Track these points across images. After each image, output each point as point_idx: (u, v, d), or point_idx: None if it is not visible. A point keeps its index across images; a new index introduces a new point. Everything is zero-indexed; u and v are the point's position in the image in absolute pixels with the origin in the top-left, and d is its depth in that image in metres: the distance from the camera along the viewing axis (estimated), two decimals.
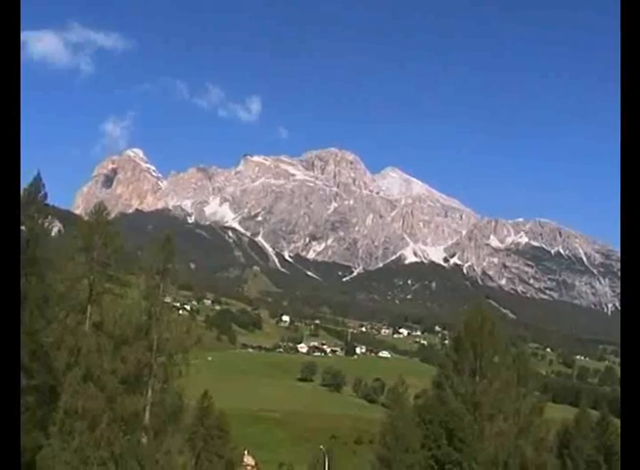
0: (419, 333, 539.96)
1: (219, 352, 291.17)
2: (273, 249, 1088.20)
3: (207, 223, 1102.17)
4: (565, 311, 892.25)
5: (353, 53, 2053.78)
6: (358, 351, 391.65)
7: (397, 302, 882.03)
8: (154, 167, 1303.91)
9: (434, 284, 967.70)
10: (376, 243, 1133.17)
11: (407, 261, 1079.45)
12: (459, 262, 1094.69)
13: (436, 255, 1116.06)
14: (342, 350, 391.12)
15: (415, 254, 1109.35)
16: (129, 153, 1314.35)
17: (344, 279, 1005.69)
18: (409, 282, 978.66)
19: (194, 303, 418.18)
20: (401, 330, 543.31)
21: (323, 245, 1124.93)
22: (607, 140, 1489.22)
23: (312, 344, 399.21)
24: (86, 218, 41.17)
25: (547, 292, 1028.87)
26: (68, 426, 33.01)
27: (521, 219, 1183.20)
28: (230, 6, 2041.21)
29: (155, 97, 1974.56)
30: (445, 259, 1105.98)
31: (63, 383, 34.06)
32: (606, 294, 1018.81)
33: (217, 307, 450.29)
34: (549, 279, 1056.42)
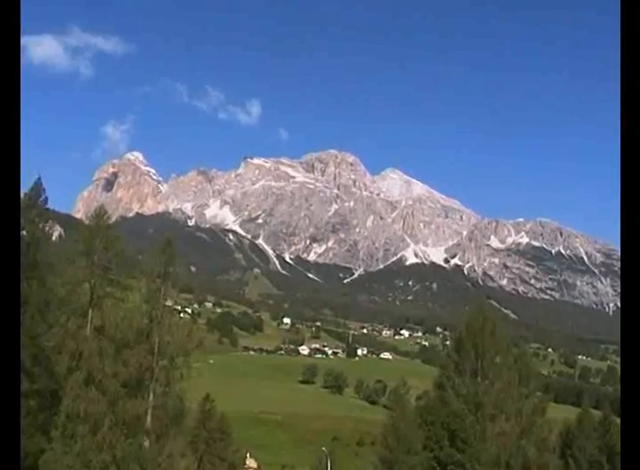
0: (420, 334, 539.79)
1: (221, 355, 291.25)
2: (274, 251, 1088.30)
3: (208, 226, 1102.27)
4: (566, 311, 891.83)
5: (353, 54, 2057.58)
6: (359, 352, 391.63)
7: (398, 303, 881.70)
8: (154, 171, 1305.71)
9: (434, 285, 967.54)
10: (376, 244, 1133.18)
11: (408, 263, 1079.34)
12: (460, 263, 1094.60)
13: (437, 256, 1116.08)
14: (343, 351, 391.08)
15: (416, 255, 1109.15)
16: (129, 156, 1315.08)
17: (345, 281, 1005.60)
18: (410, 283, 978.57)
19: (195, 306, 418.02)
20: (402, 331, 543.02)
21: (324, 247, 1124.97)
22: (607, 139, 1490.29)
23: (313, 346, 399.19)
24: (87, 222, 41.13)
25: (548, 292, 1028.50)
26: (70, 430, 33.00)
27: (521, 219, 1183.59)
28: (229, 8, 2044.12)
29: (154, 100, 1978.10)
30: (446, 260, 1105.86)
31: (64, 387, 34.05)
32: (607, 293, 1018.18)
33: (218, 310, 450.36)
34: (550, 279, 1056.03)
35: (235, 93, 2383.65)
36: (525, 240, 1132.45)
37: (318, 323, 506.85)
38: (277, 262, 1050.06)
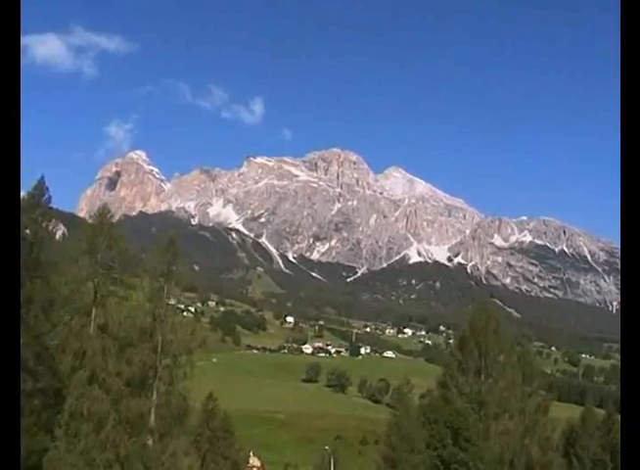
0: (423, 333, 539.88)
1: (224, 354, 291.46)
2: (277, 250, 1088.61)
3: (211, 225, 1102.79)
4: (569, 310, 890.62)
5: (355, 53, 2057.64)
6: (363, 351, 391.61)
7: (401, 302, 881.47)
8: (157, 170, 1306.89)
9: (438, 284, 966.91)
10: (380, 243, 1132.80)
11: (411, 261, 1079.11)
12: (463, 262, 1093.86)
13: (440, 254, 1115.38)
14: (346, 350, 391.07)
15: (419, 253, 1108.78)
16: (132, 155, 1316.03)
17: (348, 280, 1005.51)
18: (413, 282, 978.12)
19: (198, 304, 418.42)
20: (406, 330, 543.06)
21: (327, 245, 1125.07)
22: (610, 137, 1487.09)
23: (317, 344, 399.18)
24: (90, 221, 41.07)
25: (551, 290, 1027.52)
26: (74, 428, 33.05)
27: (524, 218, 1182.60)
28: (231, 7, 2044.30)
29: (157, 99, 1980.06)
30: (449, 259, 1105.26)
31: (68, 385, 34.10)
32: (610, 292, 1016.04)
33: (222, 309, 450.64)
34: (553, 277, 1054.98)
35: (238, 92, 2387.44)
36: (528, 238, 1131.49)
37: (321, 322, 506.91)
38: (280, 261, 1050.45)
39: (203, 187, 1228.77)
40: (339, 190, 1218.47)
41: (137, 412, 35.77)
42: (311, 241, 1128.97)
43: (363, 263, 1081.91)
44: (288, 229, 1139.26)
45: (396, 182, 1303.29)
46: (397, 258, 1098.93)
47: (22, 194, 34.84)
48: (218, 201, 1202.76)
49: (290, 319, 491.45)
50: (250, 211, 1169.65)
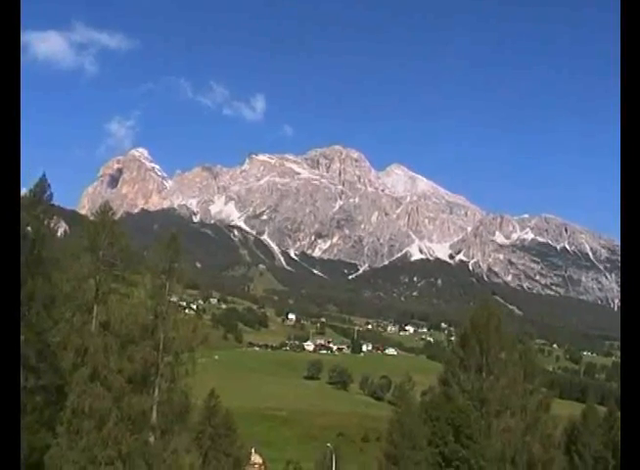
0: (425, 330, 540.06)
1: (226, 351, 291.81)
2: (279, 247, 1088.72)
3: (213, 222, 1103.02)
4: (571, 307, 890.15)
5: (356, 50, 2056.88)
6: (364, 348, 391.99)
7: (403, 299, 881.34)
8: (159, 167, 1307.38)
9: (439, 281, 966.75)
10: (381, 240, 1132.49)
11: (413, 259, 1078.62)
12: (465, 259, 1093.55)
13: (442, 251, 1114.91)
14: (348, 347, 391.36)
15: (420, 251, 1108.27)
16: (134, 152, 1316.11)
17: (350, 277, 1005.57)
18: (415, 279, 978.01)
19: (200, 301, 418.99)
20: (407, 327, 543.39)
21: (328, 243, 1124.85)
22: (612, 134, 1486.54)
23: (318, 342, 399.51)
24: (92, 218, 41.19)
25: (553, 288, 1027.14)
26: (76, 425, 33.10)
27: (526, 215, 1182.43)
28: (232, 4, 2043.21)
29: (159, 96, 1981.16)
30: (451, 256, 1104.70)
31: (70, 383, 34.15)
32: (612, 289, 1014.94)
33: (223, 306, 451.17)
34: (555, 275, 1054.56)
35: (239, 89, 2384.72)
36: (530, 236, 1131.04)
37: (323, 319, 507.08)
38: (282, 258, 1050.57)
39: (204, 184, 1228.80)
40: (340, 187, 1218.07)
41: (139, 409, 35.82)
42: (313, 238, 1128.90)
43: (365, 261, 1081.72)
44: (290, 226, 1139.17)
45: (398, 179, 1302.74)
46: (399, 255, 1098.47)
47: (24, 191, 34.84)
48: (220, 198, 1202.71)
49: (291, 316, 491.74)
50: (251, 209, 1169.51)
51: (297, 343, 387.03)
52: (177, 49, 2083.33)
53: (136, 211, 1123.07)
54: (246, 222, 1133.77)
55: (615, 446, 62.75)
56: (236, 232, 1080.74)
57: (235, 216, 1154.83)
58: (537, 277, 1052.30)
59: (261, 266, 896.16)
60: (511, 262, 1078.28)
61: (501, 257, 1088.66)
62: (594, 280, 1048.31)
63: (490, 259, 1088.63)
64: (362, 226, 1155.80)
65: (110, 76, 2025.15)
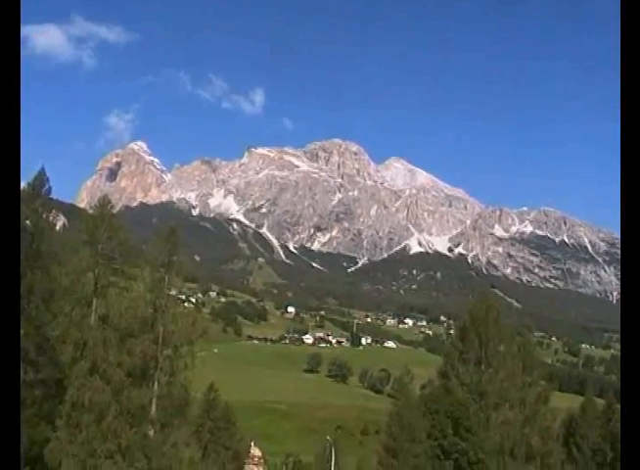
0: (424, 323, 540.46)
1: (225, 345, 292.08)
2: (278, 240, 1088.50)
3: (212, 216, 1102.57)
4: (570, 300, 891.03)
5: (356, 44, 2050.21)
6: (364, 341, 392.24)
7: (402, 292, 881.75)
8: (158, 160, 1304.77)
9: (438, 274, 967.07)
10: (380, 233, 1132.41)
11: (412, 252, 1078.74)
12: (464, 252, 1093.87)
13: (441, 244, 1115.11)
14: (347, 340, 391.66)
15: (420, 244, 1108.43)
16: (133, 146, 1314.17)
17: (349, 270, 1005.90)
18: (414, 272, 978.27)
19: (199, 295, 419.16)
20: (406, 320, 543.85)
21: (328, 236, 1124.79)
22: (611, 127, 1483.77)
23: (318, 335, 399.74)
24: (91, 212, 41.15)
25: (552, 281, 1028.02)
26: (75, 419, 33.13)
27: (525, 208, 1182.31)
28: None
29: (158, 90, 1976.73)
30: (450, 249, 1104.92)
31: (69, 376, 34.17)
32: (611, 282, 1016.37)
33: (223, 299, 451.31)
34: (554, 268, 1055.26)
35: (238, 82, 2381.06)
36: (529, 229, 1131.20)
37: (322, 312, 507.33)
38: (281, 252, 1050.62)
39: (203, 178, 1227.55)
40: (339, 180, 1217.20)
41: (138, 403, 35.85)
42: (312, 231, 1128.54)
43: (364, 254, 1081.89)
44: (289, 220, 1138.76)
45: (397, 173, 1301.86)
46: (398, 248, 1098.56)
47: (23, 185, 34.79)
48: (219, 191, 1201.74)
49: (291, 310, 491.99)
50: (250, 202, 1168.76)
51: (296, 336, 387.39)
52: (176, 42, 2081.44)
53: (135, 204, 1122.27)
54: (245, 216, 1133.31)
55: (613, 438, 62.92)
56: (235, 225, 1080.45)
57: (234, 210, 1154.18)
58: (536, 270, 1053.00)
59: (260, 260, 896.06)
60: (510, 255, 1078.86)
61: (500, 250, 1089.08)
62: (593, 273, 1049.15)
63: (489, 253, 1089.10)
64: (361, 219, 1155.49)
65: (108, 70, 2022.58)
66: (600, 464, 62.39)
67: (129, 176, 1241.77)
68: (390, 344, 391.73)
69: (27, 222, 34.62)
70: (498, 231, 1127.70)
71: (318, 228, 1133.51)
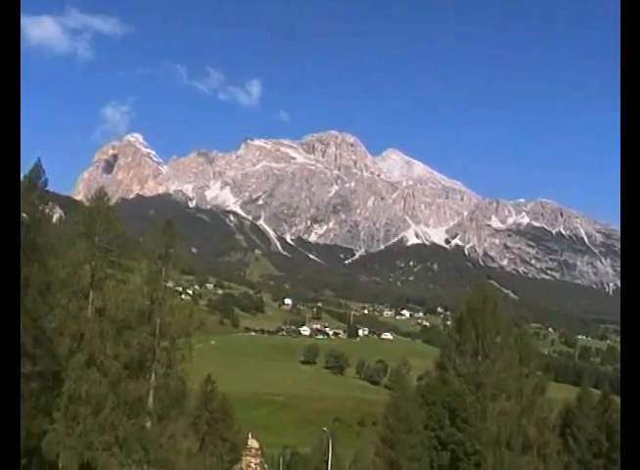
0: (421, 314, 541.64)
1: (222, 336, 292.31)
2: (275, 232, 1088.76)
3: (209, 208, 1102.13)
4: (566, 291, 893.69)
5: (353, 35, 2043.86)
6: (361, 333, 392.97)
7: (399, 283, 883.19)
8: (154, 152, 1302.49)
9: (435, 265, 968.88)
10: (377, 225, 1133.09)
11: (409, 243, 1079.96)
12: (460, 244, 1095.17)
13: (438, 236, 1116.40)
14: (344, 332, 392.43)
15: (416, 235, 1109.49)
16: (129, 138, 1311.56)
17: (346, 262, 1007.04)
18: (411, 264, 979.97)
19: (196, 287, 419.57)
20: (403, 312, 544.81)
21: (324, 228, 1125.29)
22: (610, 118, 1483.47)
23: (315, 326, 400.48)
24: (87, 204, 41.09)
25: (549, 272, 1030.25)
26: (73, 411, 33.15)
27: (522, 200, 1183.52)
28: None
29: (154, 81, 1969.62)
30: (447, 241, 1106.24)
31: (66, 368, 34.16)
32: (607, 273, 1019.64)
33: (220, 291, 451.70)
34: (550, 259, 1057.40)
35: (235, 74, 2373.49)
36: (525, 220, 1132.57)
37: (319, 304, 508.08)
38: (278, 244, 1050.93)
39: (200, 170, 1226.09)
40: (336, 172, 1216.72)
41: (135, 395, 35.88)
42: (309, 223, 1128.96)
43: (361, 245, 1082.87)
44: (285, 211, 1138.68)
45: (394, 164, 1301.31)
46: (395, 240, 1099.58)
47: None
48: (216, 183, 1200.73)
49: (288, 301, 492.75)
50: (247, 194, 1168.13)
51: (293, 328, 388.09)
52: (172, 34, 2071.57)
53: (131, 196, 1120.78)
54: (242, 207, 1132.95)
55: (609, 428, 63.13)
56: (232, 217, 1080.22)
57: (231, 202, 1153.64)
58: (533, 261, 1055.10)
59: (257, 252, 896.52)
60: (507, 247, 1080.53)
61: (497, 241, 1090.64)
62: (589, 264, 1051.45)
63: (486, 244, 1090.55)
64: (358, 211, 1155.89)
65: (104, 62, 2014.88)
66: (596, 455, 62.61)
67: (126, 168, 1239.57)
68: (387, 335, 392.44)
69: (24, 215, 34.50)
70: (495, 223, 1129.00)
71: (315, 220, 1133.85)
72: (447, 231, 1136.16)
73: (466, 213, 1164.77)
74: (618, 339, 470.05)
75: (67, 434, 32.69)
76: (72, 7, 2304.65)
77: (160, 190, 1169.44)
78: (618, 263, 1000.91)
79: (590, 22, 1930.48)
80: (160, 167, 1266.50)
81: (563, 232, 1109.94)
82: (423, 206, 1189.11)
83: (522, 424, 52.19)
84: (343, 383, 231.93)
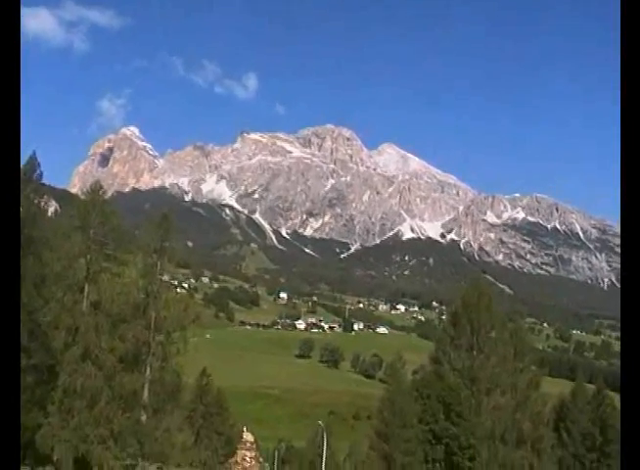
0: (416, 309, 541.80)
1: (217, 330, 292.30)
2: (270, 226, 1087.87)
3: (204, 201, 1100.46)
4: (561, 286, 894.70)
5: (349, 29, 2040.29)
6: (356, 327, 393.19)
7: (395, 278, 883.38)
8: (150, 146, 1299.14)
9: (431, 260, 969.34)
10: (373, 219, 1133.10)
11: (404, 238, 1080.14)
12: (456, 238, 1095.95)
13: (433, 230, 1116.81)
14: (339, 326, 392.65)
15: (412, 230, 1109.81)
16: (125, 131, 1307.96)
17: (342, 256, 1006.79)
18: (406, 258, 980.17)
19: (192, 280, 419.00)
20: (399, 306, 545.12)
21: (320, 222, 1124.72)
22: (606, 110, 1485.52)
23: (310, 320, 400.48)
24: (83, 197, 40.98)
25: (544, 267, 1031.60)
26: (67, 405, 33.16)
27: (517, 195, 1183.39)
28: None
29: (150, 74, 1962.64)
30: (442, 235, 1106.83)
31: (61, 362, 34.14)
32: (602, 269, 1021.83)
33: (215, 285, 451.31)
34: (546, 254, 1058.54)
35: (232, 67, 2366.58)
36: (521, 215, 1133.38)
37: (314, 298, 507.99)
38: (274, 237, 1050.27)
39: (196, 163, 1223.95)
40: (332, 166, 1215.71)
41: (130, 388, 35.91)
42: (305, 217, 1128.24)
43: (356, 240, 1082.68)
44: (281, 205, 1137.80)
45: (390, 158, 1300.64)
46: (391, 234, 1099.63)
47: None
48: (212, 177, 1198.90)
49: (283, 295, 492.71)
50: (243, 188, 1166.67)
51: (288, 321, 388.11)
52: (169, 27, 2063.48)
53: (127, 190, 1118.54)
54: (237, 201, 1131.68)
55: (602, 423, 63.49)
56: (227, 211, 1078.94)
57: (226, 195, 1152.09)
58: (528, 256, 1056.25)
59: (253, 245, 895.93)
60: (502, 242, 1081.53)
61: (492, 236, 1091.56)
62: (584, 259, 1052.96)
63: (482, 239, 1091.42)
64: (354, 205, 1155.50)
65: (100, 54, 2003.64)
66: (589, 449, 62.92)
67: (121, 162, 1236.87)
68: (383, 329, 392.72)
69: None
70: (490, 217, 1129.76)
71: (311, 214, 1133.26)
72: (443, 225, 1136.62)
73: (461, 208, 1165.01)
74: (613, 334, 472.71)
75: (61, 427, 32.71)
76: None
77: (156, 183, 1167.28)
78: (613, 259, 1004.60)
79: (589, 11, 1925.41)
80: (156, 161, 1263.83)
81: (558, 227, 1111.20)
82: (418, 200, 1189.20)
83: (516, 418, 52.40)
84: (338, 377, 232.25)
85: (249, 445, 42.87)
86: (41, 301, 35.38)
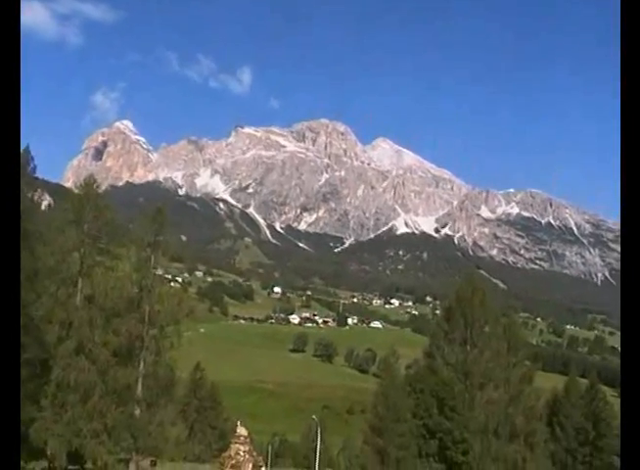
0: (410, 303, 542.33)
1: (211, 324, 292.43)
2: (264, 220, 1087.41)
3: (198, 195, 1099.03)
4: (555, 281, 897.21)
5: (344, 25, 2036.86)
6: (350, 321, 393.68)
7: (389, 272, 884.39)
8: (144, 139, 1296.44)
9: (425, 254, 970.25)
10: (367, 214, 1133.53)
11: (398, 232, 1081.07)
12: (450, 233, 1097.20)
13: (428, 225, 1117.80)
14: (333, 320, 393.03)
15: (406, 224, 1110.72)
16: (119, 125, 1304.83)
17: (336, 250, 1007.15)
18: (400, 253, 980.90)
19: (185, 275, 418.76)
20: (393, 300, 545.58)
21: (314, 216, 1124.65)
22: (604, 107, 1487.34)
23: (304, 315, 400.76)
24: (76, 191, 40.88)
25: (538, 262, 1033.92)
26: (61, 399, 33.12)
27: (512, 190, 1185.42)
28: None
29: (144, 68, 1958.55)
30: (436, 230, 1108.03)
31: (54, 356, 34.08)
32: (595, 264, 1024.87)
33: (209, 279, 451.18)
34: (540, 249, 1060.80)
35: (226, 61, 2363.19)
36: (515, 210, 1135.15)
37: (309, 292, 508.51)
38: (268, 232, 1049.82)
39: (190, 157, 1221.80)
40: (326, 161, 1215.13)
41: (124, 382, 35.88)
42: (299, 211, 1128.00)
43: (351, 234, 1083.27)
44: (275, 200, 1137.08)
45: (384, 153, 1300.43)
46: (385, 228, 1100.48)
47: None
48: (206, 171, 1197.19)
49: (277, 289, 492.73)
50: (237, 182, 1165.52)
51: (282, 316, 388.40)
52: (163, 21, 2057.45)
53: (121, 184, 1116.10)
54: (231, 195, 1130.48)
55: (595, 417, 63.73)
56: (221, 205, 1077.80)
57: (220, 189, 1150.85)
58: (522, 251, 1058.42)
59: (247, 239, 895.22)
60: (496, 237, 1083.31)
61: (486, 231, 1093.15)
62: (578, 254, 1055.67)
63: (476, 234, 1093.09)
64: (348, 200, 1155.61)
65: (94, 48, 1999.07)
66: (582, 443, 63.17)
67: (115, 156, 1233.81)
68: (376, 324, 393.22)
69: None
70: (484, 212, 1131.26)
71: (305, 208, 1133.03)
72: (437, 220, 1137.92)
73: (455, 203, 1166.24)
74: (606, 329, 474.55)
75: (55, 421, 32.67)
76: None
77: (150, 177, 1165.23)
78: (607, 254, 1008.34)
79: (591, 4, 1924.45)
80: (150, 155, 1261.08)
81: (552, 222, 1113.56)
82: (412, 195, 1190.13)
83: (509, 413, 52.53)
84: (332, 371, 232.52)
85: (242, 439, 42.83)
86: (34, 295, 35.23)
